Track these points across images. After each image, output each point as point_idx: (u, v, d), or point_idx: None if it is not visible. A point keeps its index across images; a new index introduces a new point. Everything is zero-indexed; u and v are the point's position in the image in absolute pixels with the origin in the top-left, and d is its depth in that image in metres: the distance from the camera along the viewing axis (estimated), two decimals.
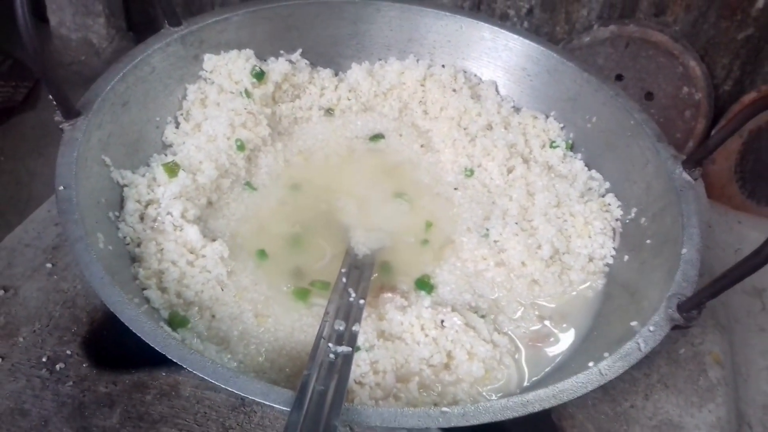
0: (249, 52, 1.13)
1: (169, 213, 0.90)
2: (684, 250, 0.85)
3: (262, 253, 0.96)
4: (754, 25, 1.60)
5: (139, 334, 0.68)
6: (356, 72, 1.23)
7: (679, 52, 1.64)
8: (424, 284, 0.94)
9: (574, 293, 0.97)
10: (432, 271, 0.97)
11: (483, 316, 0.90)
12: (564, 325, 0.93)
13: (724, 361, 0.96)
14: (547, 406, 0.69)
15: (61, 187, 0.80)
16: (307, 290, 0.91)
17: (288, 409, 0.64)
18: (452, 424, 0.66)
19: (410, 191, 1.09)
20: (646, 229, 0.98)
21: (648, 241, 0.96)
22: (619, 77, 1.72)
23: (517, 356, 0.88)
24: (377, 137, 1.18)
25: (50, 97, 0.87)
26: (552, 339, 0.91)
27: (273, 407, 0.80)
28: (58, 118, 0.88)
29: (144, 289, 0.83)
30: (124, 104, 0.98)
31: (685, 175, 0.95)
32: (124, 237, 0.88)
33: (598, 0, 1.68)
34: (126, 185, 0.93)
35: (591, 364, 0.74)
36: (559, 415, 0.85)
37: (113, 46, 2.09)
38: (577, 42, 1.71)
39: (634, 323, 0.81)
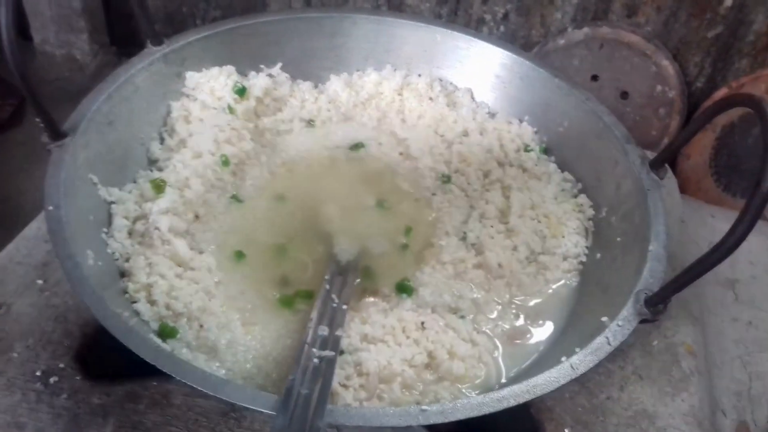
0: (230, 68, 1.15)
1: (156, 228, 0.93)
2: (651, 247, 0.88)
3: (239, 254, 0.98)
4: (723, 23, 1.64)
5: (131, 348, 0.70)
6: (335, 83, 1.25)
7: (652, 51, 1.68)
8: (405, 287, 0.96)
9: (550, 291, 1.00)
10: (413, 274, 0.99)
11: (463, 317, 0.93)
12: (540, 322, 0.96)
13: (697, 351, 0.99)
14: (521, 401, 0.72)
15: (50, 207, 0.82)
16: (293, 297, 0.94)
17: (274, 413, 0.66)
18: (431, 422, 0.69)
19: (390, 198, 1.12)
20: (616, 228, 1.01)
21: (618, 239, 0.99)
22: (594, 78, 1.75)
23: (495, 354, 0.91)
24: (357, 146, 1.20)
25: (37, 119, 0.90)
26: (529, 336, 0.94)
27: (262, 412, 0.84)
28: (45, 139, 0.89)
29: (134, 302, 0.85)
30: (109, 123, 0.99)
31: (653, 175, 0.98)
32: (113, 252, 0.90)
33: (572, 3, 1.71)
34: (114, 202, 0.95)
35: (564, 358, 0.77)
36: (538, 408, 0.87)
37: (97, 61, 2.09)
38: (553, 45, 1.74)
39: (604, 318, 0.84)
